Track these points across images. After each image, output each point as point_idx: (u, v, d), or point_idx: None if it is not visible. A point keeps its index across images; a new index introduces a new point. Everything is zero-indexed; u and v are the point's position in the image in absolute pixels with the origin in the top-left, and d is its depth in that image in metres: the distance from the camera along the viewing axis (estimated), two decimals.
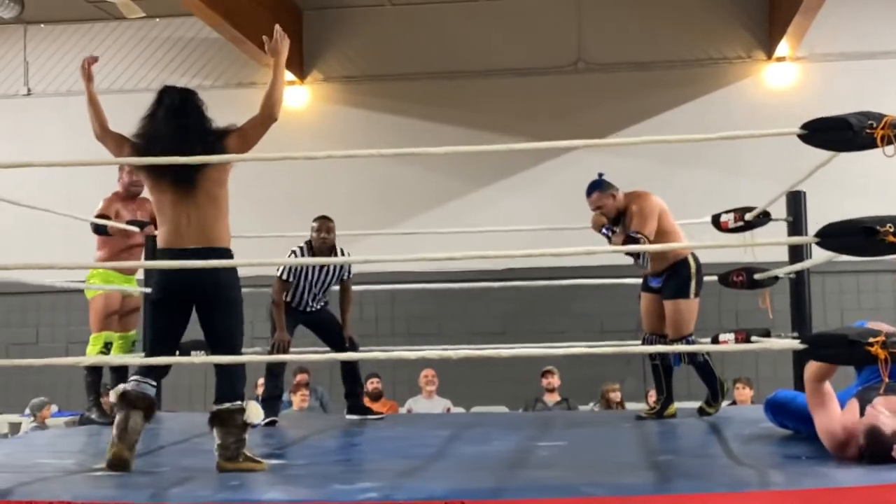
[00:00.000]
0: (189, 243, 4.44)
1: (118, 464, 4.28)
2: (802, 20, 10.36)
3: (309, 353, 7.29)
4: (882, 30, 11.34)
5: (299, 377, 9.94)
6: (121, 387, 4.50)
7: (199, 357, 6.15)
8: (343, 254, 6.84)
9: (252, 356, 6.20)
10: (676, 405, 6.59)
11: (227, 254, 4.52)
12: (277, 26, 4.76)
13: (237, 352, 4.55)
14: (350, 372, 6.87)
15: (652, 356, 6.57)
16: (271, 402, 6.58)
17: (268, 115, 4.58)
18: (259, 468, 4.29)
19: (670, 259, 6.29)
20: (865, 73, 10.93)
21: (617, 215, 6.30)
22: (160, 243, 4.59)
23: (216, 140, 4.50)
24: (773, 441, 5.06)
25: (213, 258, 4.38)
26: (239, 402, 4.38)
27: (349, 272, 6.87)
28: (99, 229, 6.79)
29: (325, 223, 6.73)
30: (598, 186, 6.33)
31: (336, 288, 6.93)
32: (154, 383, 4.54)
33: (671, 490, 3.60)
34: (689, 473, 4.07)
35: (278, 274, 6.65)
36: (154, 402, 4.50)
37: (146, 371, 4.55)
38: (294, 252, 6.75)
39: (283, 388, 7.11)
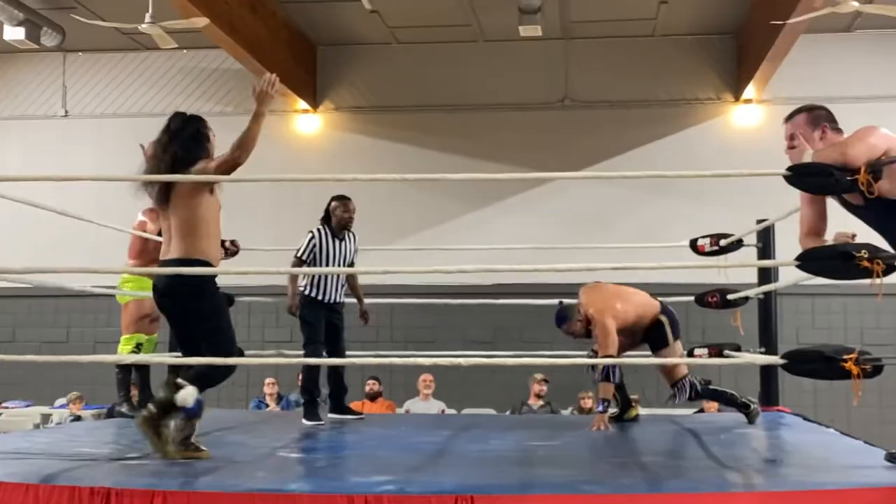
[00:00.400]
0: (166, 255, 4.53)
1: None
2: (768, 66, 10.40)
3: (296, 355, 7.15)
4: (838, 77, 11.39)
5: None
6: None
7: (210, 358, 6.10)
8: (354, 237, 6.74)
9: (238, 359, 6.14)
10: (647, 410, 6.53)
11: (189, 264, 4.46)
12: (268, 74, 4.59)
13: (222, 353, 4.46)
14: (338, 374, 6.78)
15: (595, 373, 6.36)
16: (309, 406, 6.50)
17: (234, 159, 4.46)
18: (202, 456, 4.35)
19: (647, 324, 6.17)
20: None
21: (587, 329, 6.13)
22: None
23: (185, 166, 4.51)
24: (747, 446, 5.03)
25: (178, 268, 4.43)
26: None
27: (356, 252, 6.81)
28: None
29: (349, 203, 6.63)
30: (563, 321, 6.21)
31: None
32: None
33: (666, 489, 3.55)
34: (678, 474, 4.03)
35: (297, 255, 6.55)
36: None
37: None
38: (312, 233, 6.61)
39: (318, 390, 6.66)
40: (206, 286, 4.53)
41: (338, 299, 6.68)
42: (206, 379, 4.48)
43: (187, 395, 4.34)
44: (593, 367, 6.03)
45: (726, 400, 6.17)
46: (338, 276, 6.62)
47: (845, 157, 3.80)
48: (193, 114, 4.80)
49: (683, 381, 6.09)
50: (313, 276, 6.57)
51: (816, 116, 4.09)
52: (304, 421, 6.33)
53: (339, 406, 6.78)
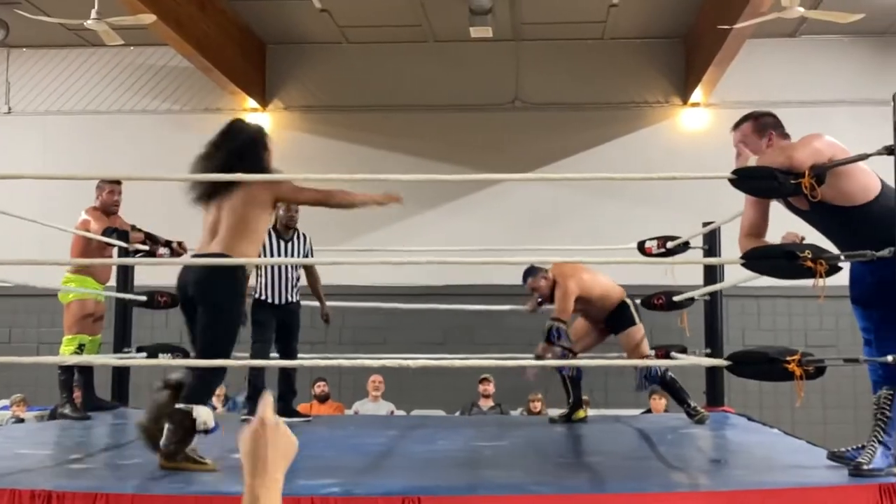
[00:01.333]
0: (205, 249, 4.34)
1: (140, 432, 4.13)
2: (715, 71, 10.52)
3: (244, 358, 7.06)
4: (783, 83, 11.55)
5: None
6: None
7: (164, 360, 6.03)
8: (305, 238, 6.71)
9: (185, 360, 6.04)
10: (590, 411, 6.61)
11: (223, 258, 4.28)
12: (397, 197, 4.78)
13: (210, 355, 4.28)
14: (287, 376, 6.72)
15: (558, 369, 6.52)
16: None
17: (325, 194, 4.61)
18: (201, 469, 4.00)
19: (612, 306, 6.38)
20: None
21: (551, 292, 6.35)
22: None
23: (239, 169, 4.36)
24: (692, 446, 5.07)
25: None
26: (191, 406, 4.07)
27: (311, 251, 6.75)
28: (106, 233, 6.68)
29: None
30: (530, 273, 6.43)
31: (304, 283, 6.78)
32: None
33: (612, 489, 3.57)
34: (624, 474, 4.05)
35: None
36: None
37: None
38: None
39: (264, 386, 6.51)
40: (239, 286, 4.39)
41: (291, 299, 6.62)
42: (204, 389, 4.25)
43: (206, 416, 4.06)
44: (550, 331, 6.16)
45: (678, 398, 6.25)
46: (288, 275, 6.58)
47: (791, 161, 3.84)
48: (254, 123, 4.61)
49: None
50: (262, 278, 6.52)
51: (763, 124, 4.11)
52: (250, 418, 6.25)
53: (286, 409, 6.72)
